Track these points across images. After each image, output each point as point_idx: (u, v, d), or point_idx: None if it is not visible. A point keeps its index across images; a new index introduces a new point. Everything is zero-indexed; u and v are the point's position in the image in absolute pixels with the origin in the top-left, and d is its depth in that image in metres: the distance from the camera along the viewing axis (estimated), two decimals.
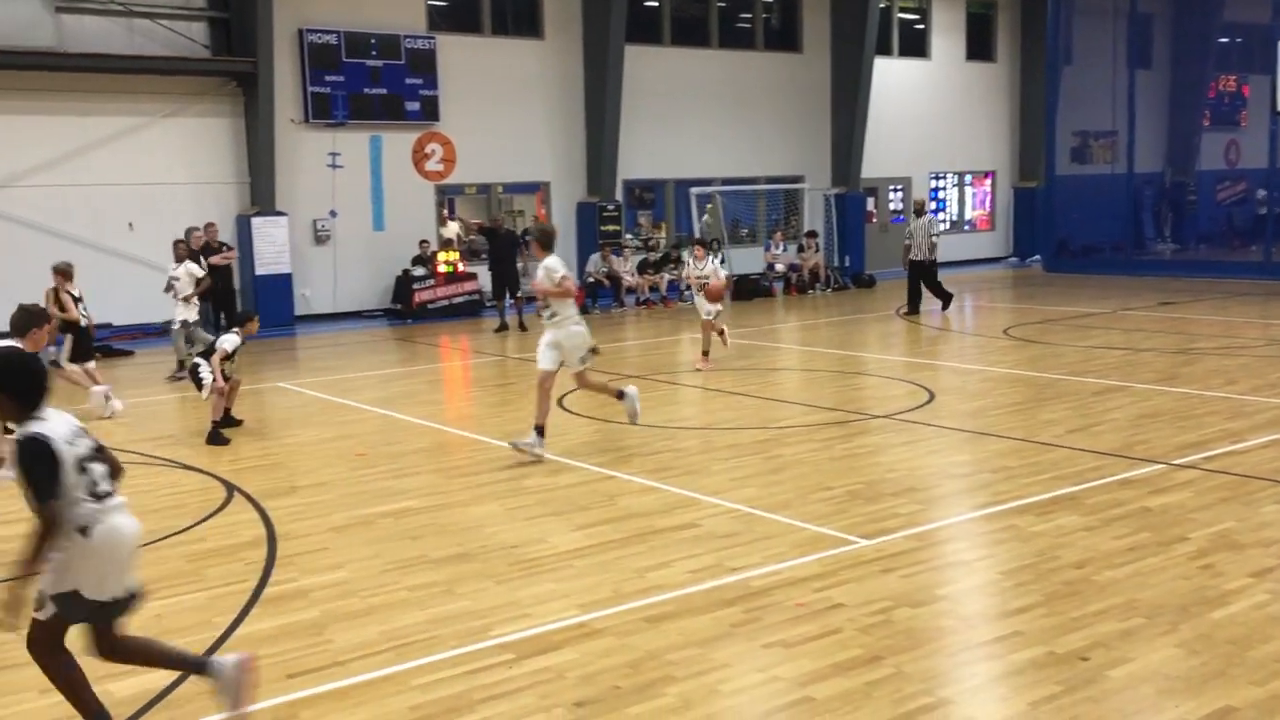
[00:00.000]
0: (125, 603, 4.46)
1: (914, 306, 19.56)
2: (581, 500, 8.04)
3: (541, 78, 23.00)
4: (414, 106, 21.32)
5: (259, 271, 19.68)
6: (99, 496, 4.33)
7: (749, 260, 24.78)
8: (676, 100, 24.61)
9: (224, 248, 17.77)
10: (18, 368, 4.33)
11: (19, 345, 6.61)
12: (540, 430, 9.38)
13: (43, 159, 18.01)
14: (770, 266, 24.12)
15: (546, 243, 10.03)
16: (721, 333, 14.21)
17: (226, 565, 6.80)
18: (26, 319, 6.84)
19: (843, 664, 5.10)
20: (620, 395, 10.05)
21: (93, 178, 18.41)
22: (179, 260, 14.42)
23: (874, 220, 28.38)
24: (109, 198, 18.49)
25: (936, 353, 15.29)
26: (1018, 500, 7.72)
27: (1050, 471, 8.48)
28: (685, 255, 18.09)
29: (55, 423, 4.30)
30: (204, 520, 7.78)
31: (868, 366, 14.32)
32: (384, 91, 20.94)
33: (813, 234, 24.55)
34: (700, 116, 24.94)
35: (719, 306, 14.20)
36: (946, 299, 19.58)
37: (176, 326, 14.38)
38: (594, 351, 10.06)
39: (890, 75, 27.82)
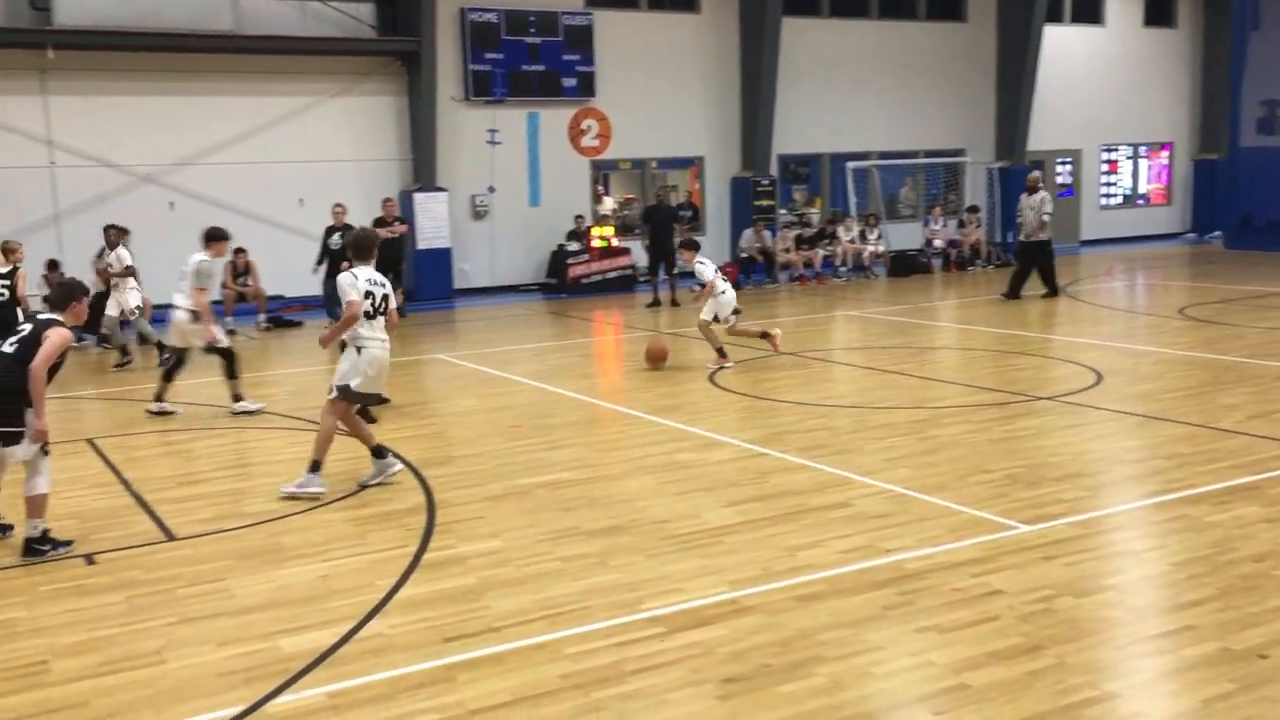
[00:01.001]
0: None
1: (1015, 290, 17.81)
2: (733, 477, 8.01)
3: (697, 52, 22.91)
4: (571, 83, 21.52)
5: (420, 246, 20.22)
6: None
7: (907, 236, 24.21)
8: (834, 72, 24.17)
9: (396, 223, 18.31)
10: None
11: (54, 317, 6.90)
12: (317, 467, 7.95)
13: (221, 138, 18.87)
14: (928, 242, 23.52)
15: (359, 252, 8.20)
16: (766, 335, 12.91)
17: (388, 530, 7.02)
18: (67, 293, 7.12)
19: (1001, 652, 4.95)
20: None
21: (266, 156, 19.20)
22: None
23: None
24: (281, 175, 19.25)
25: (1105, 333, 14.66)
26: (1192, 489, 7.34)
27: (1228, 459, 8.04)
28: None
29: None
30: (367, 487, 8.04)
31: (1031, 346, 13.84)
32: (542, 68, 21.20)
33: (974, 209, 23.83)
34: (858, 89, 24.44)
35: (720, 309, 12.76)
36: (1054, 289, 17.96)
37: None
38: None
39: (1060, 42, 26.69)
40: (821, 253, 22.21)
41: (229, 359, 10.86)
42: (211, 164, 18.80)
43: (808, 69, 23.69)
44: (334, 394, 7.99)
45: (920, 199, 25.65)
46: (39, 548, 6.69)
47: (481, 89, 20.73)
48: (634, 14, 22.29)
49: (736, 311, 12.80)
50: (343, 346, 8.11)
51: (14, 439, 6.63)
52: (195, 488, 8.24)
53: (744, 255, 21.68)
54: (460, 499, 7.64)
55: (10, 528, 7.09)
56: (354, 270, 8.04)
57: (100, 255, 15.66)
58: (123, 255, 14.78)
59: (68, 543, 6.81)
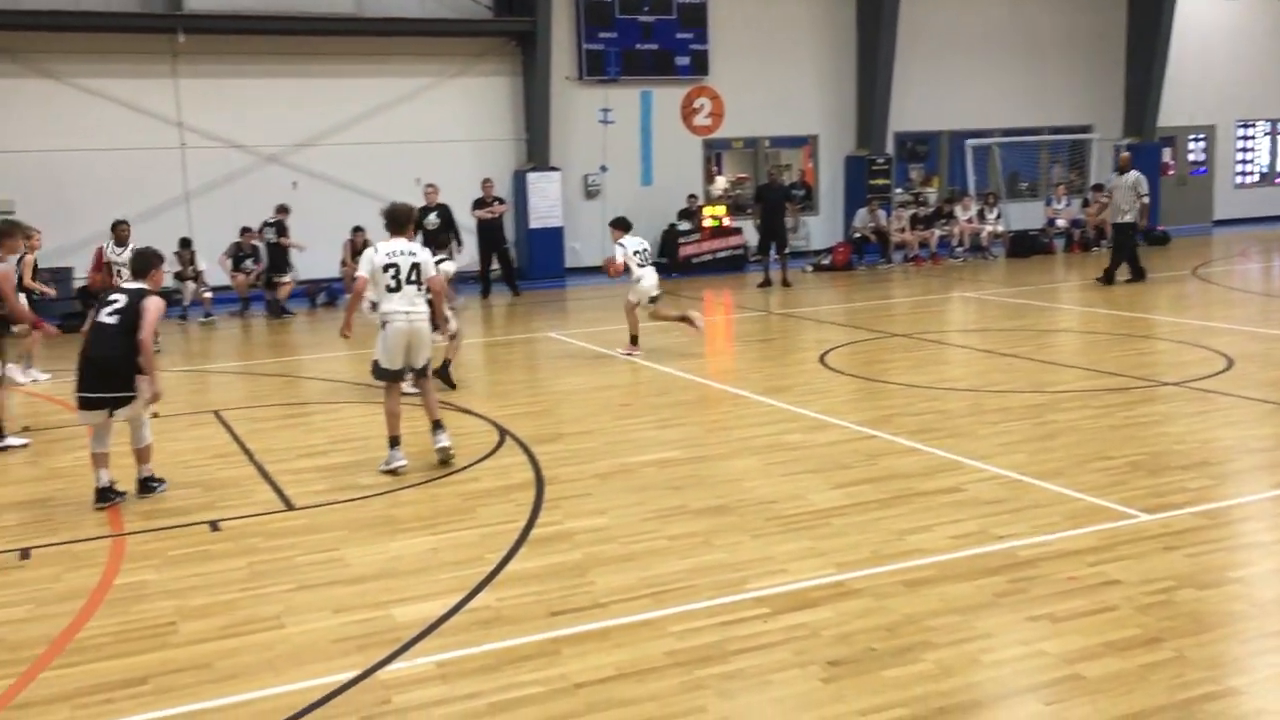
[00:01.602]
0: None
1: (1110, 276, 16.96)
2: (841, 458, 7.92)
3: (813, 28, 22.61)
4: (684, 61, 21.44)
5: (532, 225, 20.43)
6: None
7: (1028, 215, 23.56)
8: (954, 47, 23.60)
9: (496, 202, 18.52)
10: None
11: (144, 286, 7.40)
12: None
13: (341, 119, 19.31)
14: (1051, 222, 22.86)
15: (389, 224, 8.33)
16: (685, 319, 12.75)
17: (498, 505, 7.13)
18: (146, 262, 7.60)
19: (1117, 643, 4.81)
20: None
21: (384, 136, 19.58)
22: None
23: (1171, 173, 26.35)
24: (398, 155, 19.60)
25: (1238, 316, 14.05)
26: None
27: None
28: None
29: None
30: (478, 462, 8.18)
31: (1157, 329, 13.36)
32: (655, 47, 21.17)
33: (1100, 187, 23.06)
34: (979, 64, 23.82)
35: (638, 294, 12.48)
36: (1139, 273, 17.06)
37: None
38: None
39: (1194, 13, 25.59)
40: (938, 233, 21.76)
41: None
42: (332, 144, 19.26)
43: (927, 44, 23.18)
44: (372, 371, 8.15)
45: (1049, 177, 24.85)
46: (152, 485, 7.56)
47: (595, 68, 20.80)
48: None
49: (654, 299, 12.54)
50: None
51: (126, 402, 7.23)
52: (313, 460, 8.49)
53: (857, 235, 21.37)
54: (569, 476, 7.71)
55: (123, 494, 7.47)
56: (376, 244, 8.13)
57: (100, 253, 14.70)
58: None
59: (163, 481, 7.65)
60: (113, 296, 7.34)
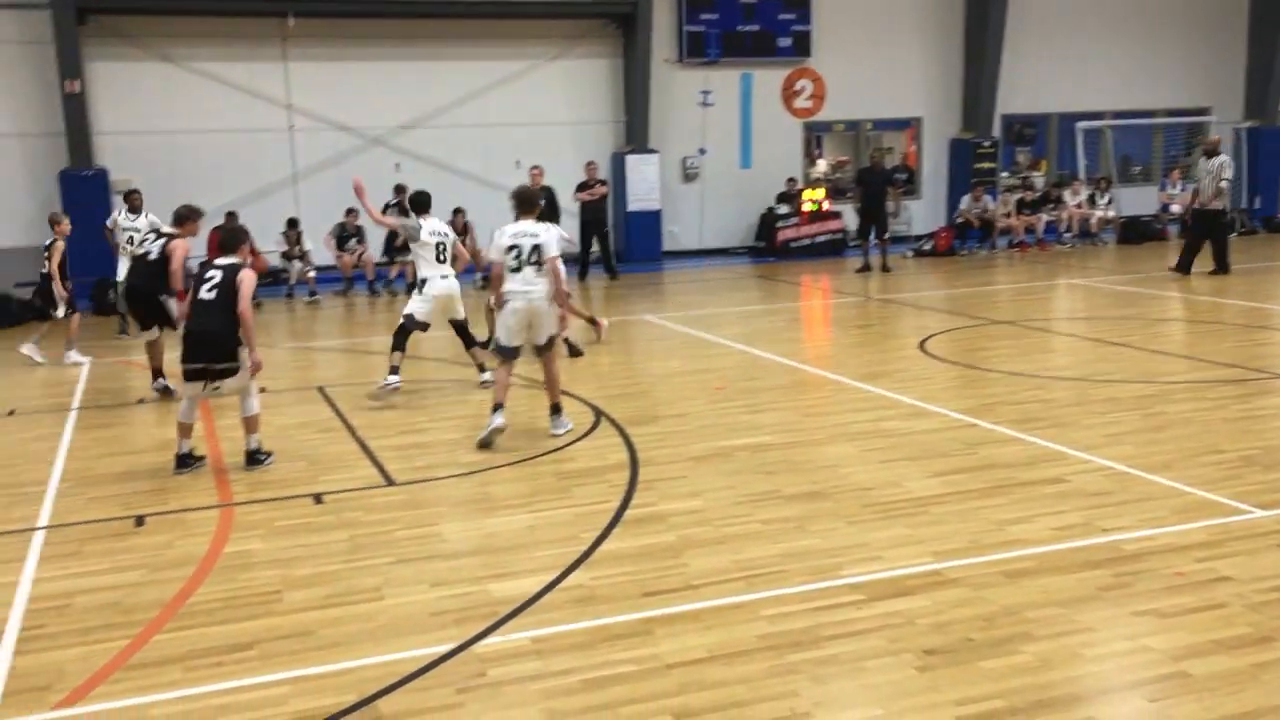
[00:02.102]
0: None
1: (1185, 265, 16.22)
2: (940, 446, 7.80)
3: (918, 9, 22.18)
4: (786, 43, 21.24)
5: (630, 208, 20.48)
6: None
7: (1141, 201, 22.84)
8: (1065, 28, 22.93)
9: (598, 185, 18.58)
10: None
11: (236, 261, 7.79)
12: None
13: (443, 102, 19.57)
14: (1164, 208, 22.13)
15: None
16: (593, 321, 12.33)
17: (593, 485, 7.18)
18: (235, 238, 8.05)
19: (1226, 641, 4.66)
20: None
21: (485, 118, 19.80)
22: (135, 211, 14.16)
23: None
24: (499, 137, 19.81)
25: None
26: None
27: None
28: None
29: None
30: (574, 442, 8.25)
31: (1277, 320, 12.86)
32: (757, 28, 21.00)
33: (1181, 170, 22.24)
34: (1092, 45, 23.10)
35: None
36: (1223, 266, 16.20)
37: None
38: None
39: None
40: (1045, 218, 21.22)
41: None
42: (435, 127, 19.54)
43: (1037, 24, 22.58)
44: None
45: (1164, 161, 24.07)
46: (259, 458, 7.78)
47: (695, 50, 20.72)
48: None
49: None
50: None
51: (231, 373, 7.57)
52: (414, 436, 8.64)
53: (959, 221, 20.97)
54: (663, 458, 7.73)
55: (203, 459, 7.86)
56: (504, 226, 8.52)
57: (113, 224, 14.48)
58: (154, 220, 13.88)
59: (270, 454, 7.86)
60: (209, 273, 7.66)
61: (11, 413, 9.91)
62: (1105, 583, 5.33)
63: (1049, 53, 22.84)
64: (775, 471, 7.33)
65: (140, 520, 6.74)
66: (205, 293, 7.59)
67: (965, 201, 21.13)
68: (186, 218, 10.01)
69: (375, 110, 19.19)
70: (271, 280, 16.12)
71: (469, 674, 4.59)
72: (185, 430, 7.70)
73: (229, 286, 7.54)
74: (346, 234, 17.63)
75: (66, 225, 12.52)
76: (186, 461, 7.71)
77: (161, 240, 10.07)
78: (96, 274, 16.88)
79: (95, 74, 17.64)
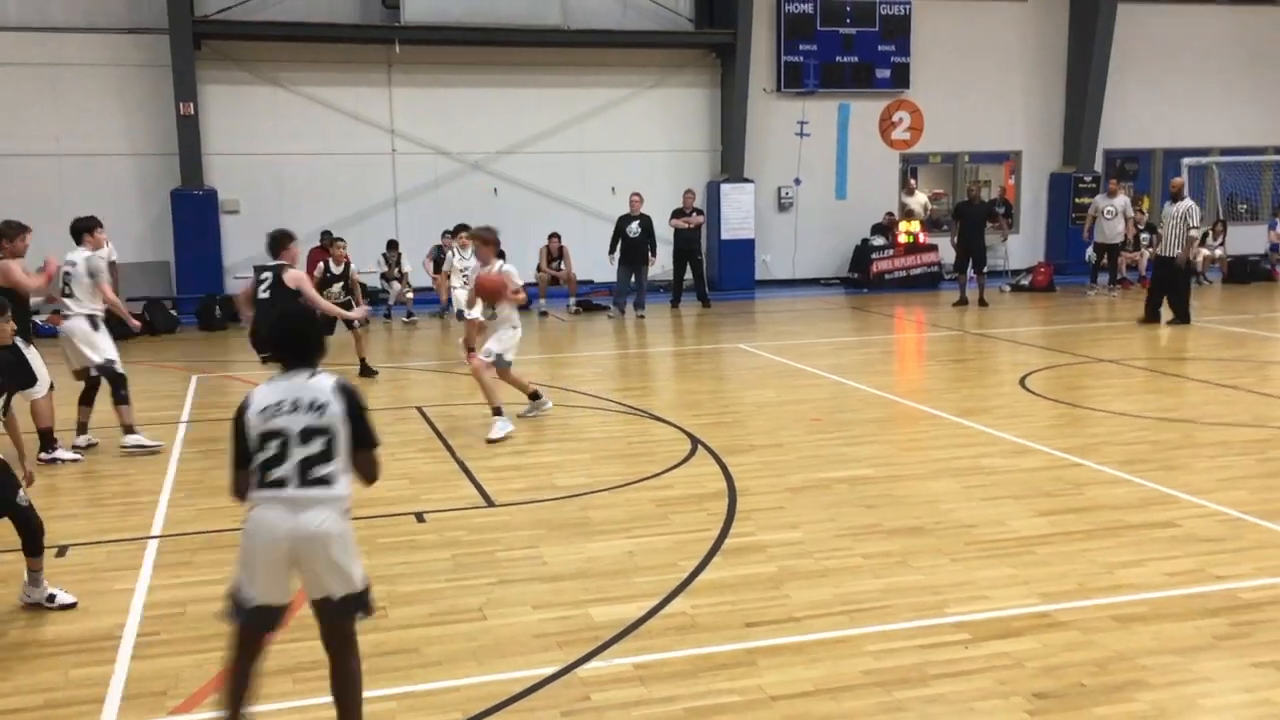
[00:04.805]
0: (258, 614, 4.04)
1: (1152, 313, 15.49)
2: (1044, 485, 7.64)
3: (1020, 41, 21.94)
4: (884, 74, 21.14)
5: (724, 236, 20.50)
6: (267, 482, 3.96)
7: (1249, 240, 22.22)
8: (1172, 61, 22.46)
9: (693, 213, 18.64)
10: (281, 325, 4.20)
11: (282, 262, 8.58)
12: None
13: (541, 128, 19.83)
14: (1274, 247, 21.48)
15: (496, 243, 9.64)
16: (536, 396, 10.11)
17: (691, 513, 7.18)
18: (278, 241, 8.86)
19: None
20: (535, 396, 9.98)
21: (582, 145, 20.02)
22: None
23: None
24: (595, 163, 20.01)
25: None
26: None
27: None
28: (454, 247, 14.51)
29: (267, 390, 4.02)
30: (671, 469, 8.26)
31: None
32: (855, 59, 20.95)
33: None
34: (1200, 78, 22.60)
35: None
36: (1182, 315, 15.31)
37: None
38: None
39: None
40: (1147, 255, 20.72)
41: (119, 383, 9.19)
42: (532, 152, 19.81)
43: (1142, 57, 22.17)
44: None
45: (1265, 199, 23.40)
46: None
47: (793, 80, 20.74)
48: (955, 3, 21.61)
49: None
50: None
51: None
52: (513, 459, 8.73)
53: (1088, 259, 20.56)
54: (761, 488, 7.70)
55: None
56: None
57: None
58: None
59: None
60: (262, 275, 8.25)
61: None
62: (1222, 631, 5.17)
63: (1154, 86, 22.40)
64: (875, 505, 7.26)
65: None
66: (263, 293, 8.21)
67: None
68: (285, 241, 10.06)
69: (475, 135, 19.53)
70: (370, 300, 16.43)
71: (573, 698, 4.61)
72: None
73: (279, 284, 8.15)
74: (443, 256, 17.91)
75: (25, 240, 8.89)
76: None
77: (268, 276, 9.88)
78: (202, 291, 17.42)
79: (208, 96, 18.23)
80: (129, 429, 9.06)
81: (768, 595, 5.70)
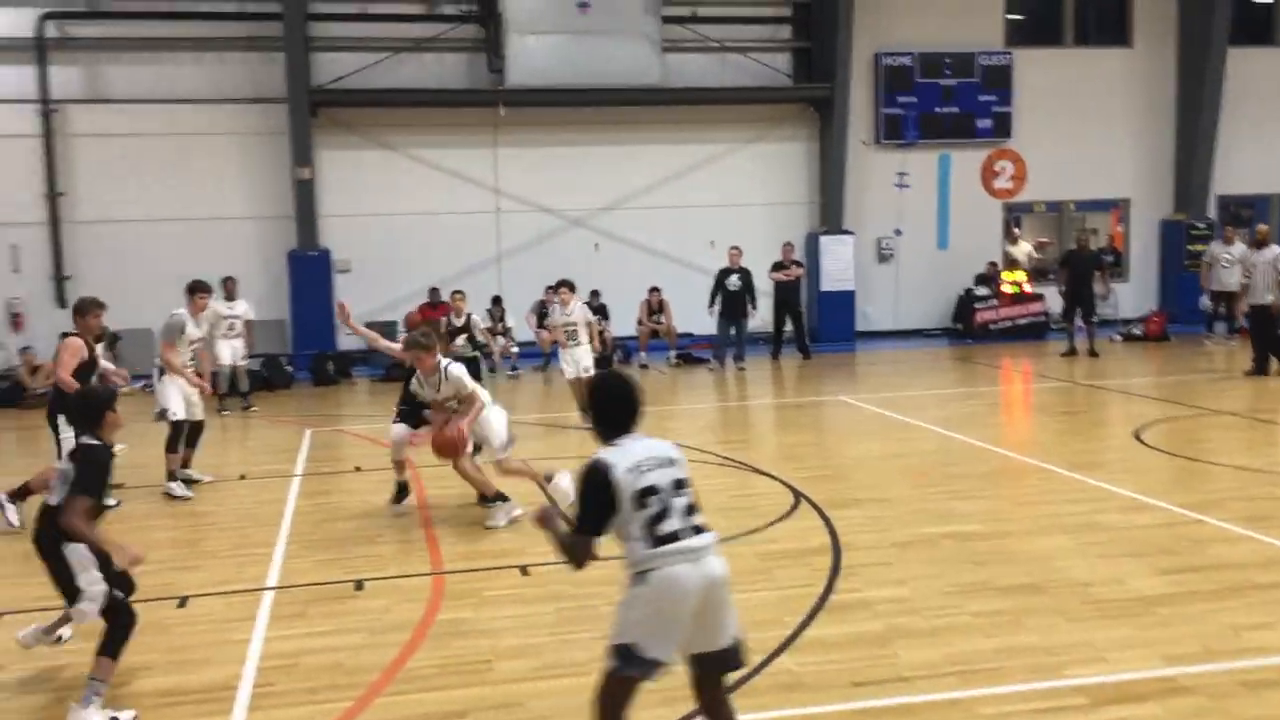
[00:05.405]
0: (651, 667, 3.99)
1: (1261, 365, 14.94)
2: (1163, 543, 7.39)
3: (1126, 87, 21.57)
4: (985, 124, 20.96)
5: (824, 288, 20.43)
6: (660, 537, 3.97)
7: None
8: None
9: (793, 265, 18.62)
10: (605, 391, 4.30)
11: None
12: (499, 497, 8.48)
13: (642, 183, 20.08)
14: None
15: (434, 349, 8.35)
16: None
17: (795, 569, 7.11)
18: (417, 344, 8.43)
19: None
20: (497, 497, 8.52)
21: (681, 200, 20.19)
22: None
23: None
24: (694, 218, 20.14)
25: None
26: None
27: None
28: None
29: (620, 452, 4.05)
30: (774, 523, 8.19)
31: None
32: (955, 110, 20.81)
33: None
34: None
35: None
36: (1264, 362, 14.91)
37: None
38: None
39: None
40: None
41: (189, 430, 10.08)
42: (633, 208, 20.05)
43: (1255, 101, 21.61)
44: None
45: None
46: (490, 501, 8.50)
47: (893, 132, 20.68)
48: (1057, 51, 21.39)
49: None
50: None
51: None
52: None
53: (1205, 309, 19.94)
54: (866, 543, 7.59)
55: (405, 488, 8.85)
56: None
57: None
58: (247, 308, 15.28)
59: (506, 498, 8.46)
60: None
61: (242, 477, 10.55)
62: None
63: (1268, 129, 21.76)
64: (985, 562, 7.09)
65: (360, 584, 7.04)
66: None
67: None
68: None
69: (576, 192, 19.86)
70: (476, 355, 16.70)
71: None
72: (399, 468, 8.85)
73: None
74: (545, 311, 18.17)
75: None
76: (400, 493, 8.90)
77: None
78: (316, 348, 17.94)
79: (322, 160, 18.89)
80: (170, 475, 9.78)
81: (875, 654, 5.61)
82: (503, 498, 8.45)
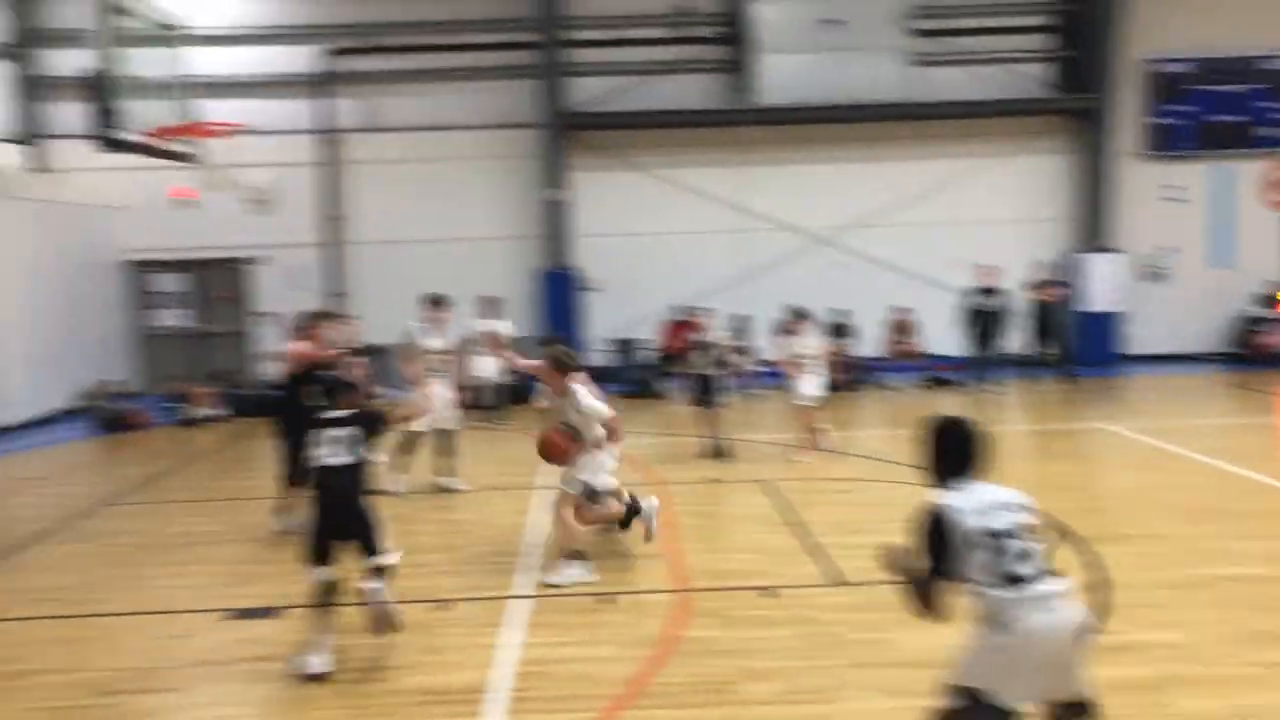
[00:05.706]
0: (998, 715, 3.94)
1: None
2: None
3: None
4: (1267, 132, 19.38)
5: (1086, 308, 19.37)
6: (1012, 580, 3.94)
7: None
8: None
9: (1055, 284, 17.76)
10: (948, 433, 4.30)
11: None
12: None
13: (890, 200, 19.66)
14: None
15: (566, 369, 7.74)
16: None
17: None
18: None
19: None
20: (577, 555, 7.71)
21: (933, 216, 19.62)
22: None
23: None
24: (943, 235, 19.51)
25: None
26: None
27: None
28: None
29: (964, 496, 4.07)
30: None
31: None
32: (1231, 118, 19.35)
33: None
34: None
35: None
36: None
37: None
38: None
39: None
40: None
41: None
42: (880, 225, 19.65)
43: None
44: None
45: None
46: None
47: (1162, 143, 19.44)
48: None
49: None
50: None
51: None
52: (866, 536, 8.55)
53: None
54: (1136, 582, 7.11)
55: (638, 511, 8.09)
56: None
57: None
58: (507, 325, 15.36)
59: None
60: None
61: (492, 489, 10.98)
62: None
63: None
64: (1273, 609, 6.52)
65: (606, 596, 7.17)
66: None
67: None
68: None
69: (821, 210, 19.66)
70: (711, 373, 16.80)
71: None
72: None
73: None
74: (787, 334, 18.05)
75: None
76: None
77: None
78: None
79: (573, 181, 19.51)
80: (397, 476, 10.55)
81: (1147, 701, 5.24)
82: (581, 556, 7.65)
